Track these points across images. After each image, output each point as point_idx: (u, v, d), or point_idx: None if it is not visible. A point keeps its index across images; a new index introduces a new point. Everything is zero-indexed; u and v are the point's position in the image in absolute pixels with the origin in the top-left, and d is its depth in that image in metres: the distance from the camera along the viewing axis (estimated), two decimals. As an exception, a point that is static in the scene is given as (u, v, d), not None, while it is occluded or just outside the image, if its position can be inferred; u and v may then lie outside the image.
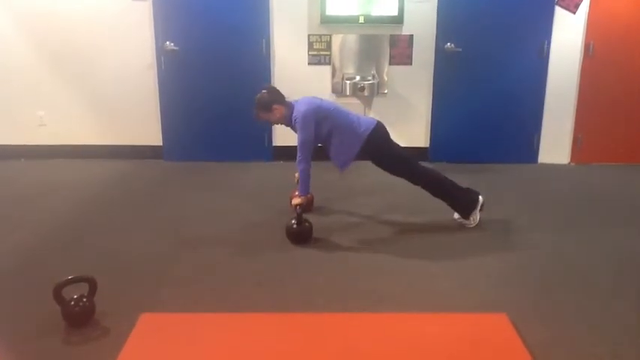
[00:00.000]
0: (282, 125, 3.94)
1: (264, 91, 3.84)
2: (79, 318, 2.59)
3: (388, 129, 5.44)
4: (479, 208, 3.84)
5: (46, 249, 3.53)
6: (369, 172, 4.05)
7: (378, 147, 3.79)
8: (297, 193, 3.85)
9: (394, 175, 3.90)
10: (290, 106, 3.80)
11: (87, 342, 2.50)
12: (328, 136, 3.74)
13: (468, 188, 3.90)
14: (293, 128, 3.82)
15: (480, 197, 3.85)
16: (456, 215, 3.90)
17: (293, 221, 3.60)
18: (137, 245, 3.58)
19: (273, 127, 5.47)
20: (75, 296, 2.60)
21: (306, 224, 3.61)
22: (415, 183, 3.87)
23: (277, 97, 3.82)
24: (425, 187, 3.85)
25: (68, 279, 2.58)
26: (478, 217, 3.85)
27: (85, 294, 2.62)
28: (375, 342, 2.49)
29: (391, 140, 3.87)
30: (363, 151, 3.75)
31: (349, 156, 3.76)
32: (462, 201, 3.85)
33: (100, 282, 2.68)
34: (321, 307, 2.82)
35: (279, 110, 3.78)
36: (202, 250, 3.51)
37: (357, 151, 3.73)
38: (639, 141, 5.55)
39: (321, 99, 3.88)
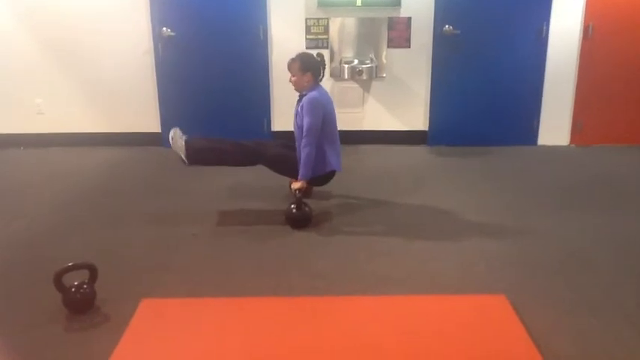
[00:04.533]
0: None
1: (318, 56, 3.83)
2: (80, 305, 2.60)
3: (387, 112, 5.52)
4: (182, 143, 3.74)
5: (46, 236, 3.53)
6: (368, 157, 4.04)
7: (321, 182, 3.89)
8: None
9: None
10: (314, 86, 3.78)
11: (88, 328, 2.51)
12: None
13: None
14: (298, 105, 3.81)
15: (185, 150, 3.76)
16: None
17: (292, 206, 3.60)
18: (137, 232, 3.59)
19: (272, 111, 5.48)
20: (75, 283, 2.60)
21: (306, 209, 3.62)
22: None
23: (318, 69, 3.79)
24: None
25: (68, 266, 2.58)
26: (174, 141, 3.77)
27: (86, 281, 2.63)
28: (376, 324, 2.51)
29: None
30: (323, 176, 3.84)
31: (316, 172, 3.77)
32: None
33: (101, 269, 2.69)
34: (321, 291, 2.83)
35: (307, 79, 3.76)
36: (202, 235, 3.52)
37: (322, 174, 3.81)
38: (639, 122, 5.54)
39: (333, 106, 3.88)
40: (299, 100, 3.84)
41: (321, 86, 3.85)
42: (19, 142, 5.63)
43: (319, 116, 3.68)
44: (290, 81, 3.82)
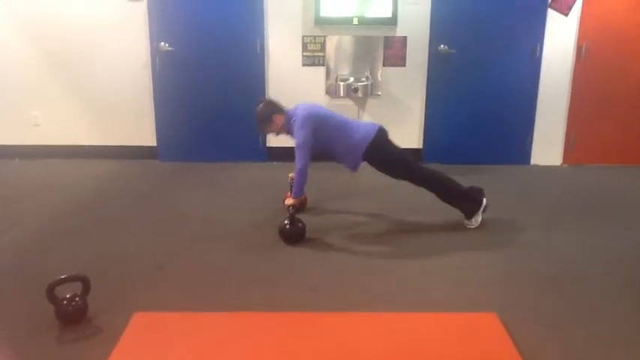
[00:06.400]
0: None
1: (261, 104, 3.91)
2: (72, 317, 2.60)
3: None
4: (482, 210, 3.88)
5: (40, 248, 3.53)
6: (363, 173, 4.06)
7: (378, 155, 3.83)
8: (289, 193, 3.87)
9: (396, 178, 3.94)
10: (288, 114, 3.84)
11: (80, 340, 2.51)
12: (329, 145, 3.78)
13: (472, 188, 3.94)
14: (292, 134, 3.84)
15: (484, 200, 3.89)
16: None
17: (286, 221, 3.62)
18: (131, 245, 3.59)
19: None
20: (68, 295, 2.61)
21: (299, 224, 3.63)
22: (418, 185, 3.89)
23: (274, 107, 3.89)
24: (428, 188, 3.88)
25: (61, 278, 2.59)
26: (480, 220, 3.90)
27: (79, 293, 2.63)
28: (367, 341, 2.51)
29: (391, 144, 3.91)
30: (365, 156, 3.81)
31: (357, 158, 3.80)
32: (466, 202, 3.90)
33: (95, 281, 2.69)
34: (313, 307, 2.84)
35: (279, 119, 3.83)
36: (196, 249, 3.53)
37: (362, 155, 3.78)
38: (631, 142, 5.60)
39: (320, 106, 3.96)
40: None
41: (298, 106, 3.86)
42: (15, 153, 5.64)
43: (309, 131, 3.69)
44: (276, 134, 3.96)
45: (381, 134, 3.84)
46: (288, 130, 3.87)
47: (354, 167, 3.86)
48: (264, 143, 5.61)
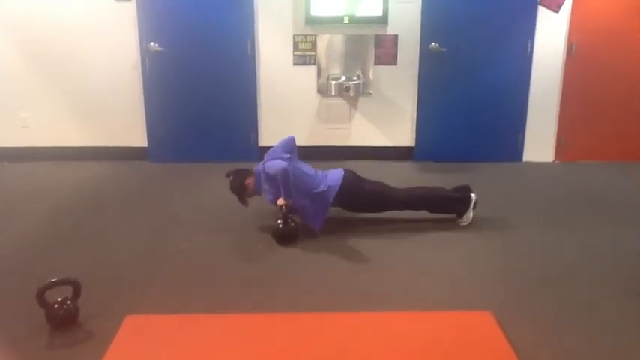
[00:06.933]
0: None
1: (230, 179, 3.85)
2: (63, 321, 2.58)
3: (374, 129, 5.54)
4: (472, 206, 3.90)
5: (30, 251, 3.50)
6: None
7: (352, 196, 3.82)
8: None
9: (378, 212, 3.93)
10: (256, 171, 3.82)
11: (71, 345, 2.48)
12: (298, 193, 3.69)
13: (457, 188, 3.96)
14: (266, 183, 3.77)
15: (473, 195, 3.91)
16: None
17: (279, 222, 3.60)
18: (123, 247, 3.57)
19: (259, 127, 5.50)
20: (59, 299, 2.58)
21: (292, 225, 3.62)
22: (401, 210, 3.89)
23: (242, 174, 3.85)
24: (413, 208, 3.90)
25: (51, 282, 2.57)
26: (471, 216, 3.92)
27: (69, 297, 2.60)
28: (362, 341, 2.50)
29: (362, 181, 3.89)
30: (340, 202, 3.80)
31: (322, 217, 3.78)
32: (454, 206, 3.93)
33: (86, 284, 2.67)
34: (307, 307, 2.83)
35: (250, 181, 3.81)
36: (189, 251, 3.51)
37: (327, 209, 3.78)
38: (622, 139, 5.61)
39: (289, 156, 3.79)
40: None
41: (267, 154, 3.83)
42: (4, 156, 5.58)
43: (279, 163, 3.63)
44: (258, 194, 3.87)
45: (349, 176, 3.83)
46: (263, 178, 3.79)
47: (320, 225, 3.77)
48: (255, 143, 5.58)
